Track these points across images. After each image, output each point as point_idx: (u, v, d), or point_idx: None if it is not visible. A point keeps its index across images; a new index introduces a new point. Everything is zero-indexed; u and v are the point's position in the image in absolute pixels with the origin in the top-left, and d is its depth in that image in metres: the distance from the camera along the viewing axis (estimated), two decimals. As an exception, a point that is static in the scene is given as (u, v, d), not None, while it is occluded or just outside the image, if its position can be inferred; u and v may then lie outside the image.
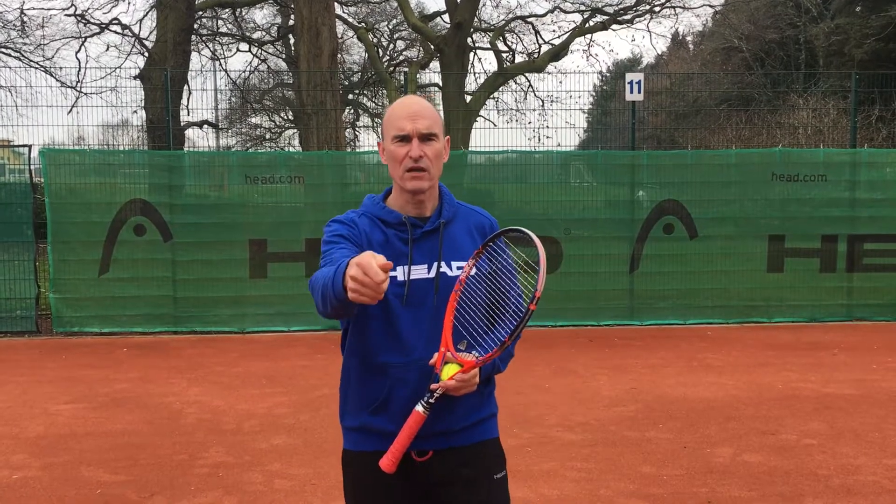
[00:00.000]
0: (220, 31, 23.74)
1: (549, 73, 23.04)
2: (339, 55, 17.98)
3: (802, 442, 5.67)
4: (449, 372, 2.18)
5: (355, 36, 24.93)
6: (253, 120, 27.94)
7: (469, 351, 2.24)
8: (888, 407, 6.57)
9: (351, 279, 1.85)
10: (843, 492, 4.76)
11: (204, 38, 22.71)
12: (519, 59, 24.57)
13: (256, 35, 25.25)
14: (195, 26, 19.81)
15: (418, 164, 2.27)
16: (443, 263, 2.32)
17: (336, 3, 18.05)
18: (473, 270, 2.30)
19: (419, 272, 2.31)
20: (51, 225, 9.96)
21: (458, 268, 2.32)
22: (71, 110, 13.67)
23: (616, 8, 22.78)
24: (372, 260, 1.83)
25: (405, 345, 2.28)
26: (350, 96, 27.70)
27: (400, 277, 2.29)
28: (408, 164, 2.27)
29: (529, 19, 24.54)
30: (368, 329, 2.32)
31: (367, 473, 2.34)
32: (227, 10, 22.31)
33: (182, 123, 17.32)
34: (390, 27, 27.99)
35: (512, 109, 20.19)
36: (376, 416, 2.31)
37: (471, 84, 22.33)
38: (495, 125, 25.82)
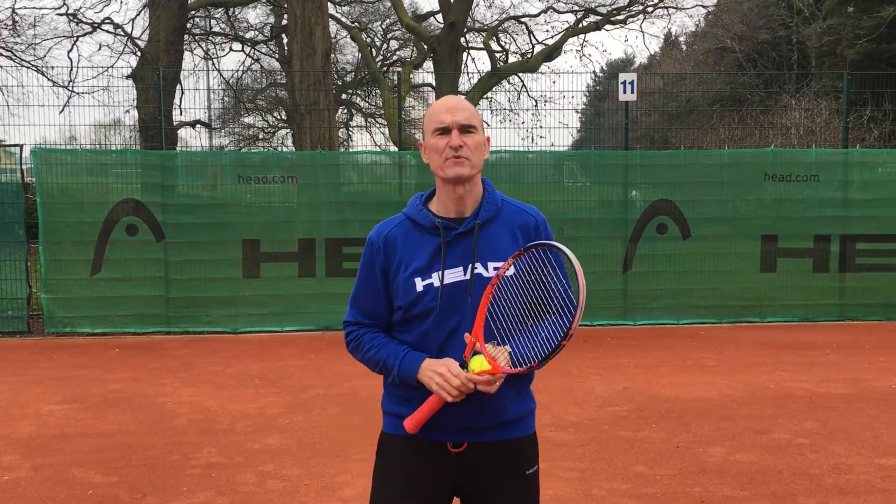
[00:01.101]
0: (212, 30, 23.66)
1: (542, 74, 23.07)
2: (332, 55, 17.98)
3: (795, 441, 5.68)
4: (477, 362, 2.20)
5: (349, 36, 24.89)
6: (246, 120, 27.89)
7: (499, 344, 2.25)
8: (880, 406, 6.60)
9: (435, 384, 2.22)
10: (835, 491, 4.78)
11: (197, 37, 22.64)
12: (512, 59, 24.57)
13: (249, 34, 25.17)
14: (188, 26, 19.74)
15: (458, 153, 2.31)
16: (478, 265, 2.32)
17: (329, 3, 18.04)
18: (511, 271, 2.28)
19: (454, 275, 2.33)
20: (42, 225, 9.91)
21: (496, 268, 2.32)
22: (63, 110, 13.61)
23: (609, 8, 22.80)
24: (449, 377, 2.19)
25: (442, 346, 2.32)
26: (343, 96, 27.68)
27: (436, 283, 2.32)
28: (448, 153, 2.31)
29: (523, 19, 24.54)
30: (407, 332, 2.38)
31: (402, 457, 2.40)
32: (219, 9, 22.23)
33: (175, 123, 17.26)
34: (384, 27, 27.96)
35: (505, 109, 20.18)
36: (415, 405, 2.33)
37: (464, 84, 22.34)
38: (489, 125, 25.78)
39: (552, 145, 14.96)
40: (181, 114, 18.33)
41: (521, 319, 2.27)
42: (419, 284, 2.33)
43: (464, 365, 2.22)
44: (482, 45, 24.32)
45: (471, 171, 2.33)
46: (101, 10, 31.01)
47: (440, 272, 2.32)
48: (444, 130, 2.33)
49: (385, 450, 2.46)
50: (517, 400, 2.38)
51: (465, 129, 2.33)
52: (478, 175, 2.39)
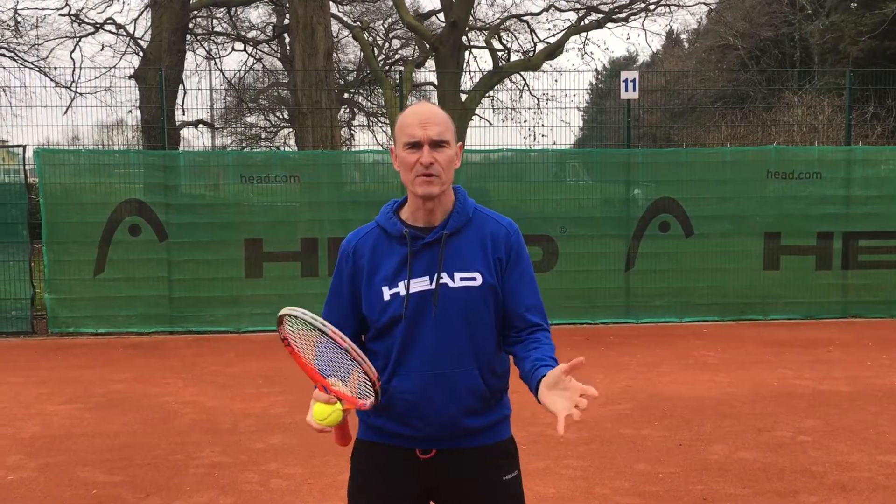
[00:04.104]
0: (214, 30, 23.68)
1: (544, 72, 23.05)
2: (334, 54, 17.97)
3: (797, 439, 5.68)
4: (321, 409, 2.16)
5: (350, 35, 24.90)
6: (248, 119, 27.89)
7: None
8: (882, 404, 6.59)
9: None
10: (837, 488, 4.78)
11: (199, 37, 22.65)
12: (514, 57, 24.56)
13: (251, 34, 25.18)
14: (190, 25, 19.75)
15: (429, 171, 2.27)
16: (444, 275, 2.31)
17: (331, 2, 18.05)
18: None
19: (420, 284, 2.31)
20: (46, 225, 9.93)
21: (462, 279, 2.31)
22: (66, 110, 13.64)
23: (611, 6, 22.79)
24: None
25: (404, 356, 2.31)
26: (346, 95, 27.66)
27: (402, 292, 2.31)
28: (419, 170, 2.28)
29: (525, 17, 24.53)
30: (378, 343, 2.37)
31: (375, 463, 2.40)
32: (221, 9, 22.25)
33: (177, 123, 17.29)
34: (385, 26, 27.95)
35: (507, 108, 20.21)
36: (380, 417, 2.35)
37: (466, 83, 22.34)
38: (491, 124, 25.83)
39: (554, 144, 14.94)
40: (184, 114, 18.38)
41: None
42: (386, 293, 2.32)
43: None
44: (484, 44, 24.31)
45: (441, 188, 2.30)
46: (103, 11, 30.82)
47: (406, 281, 2.31)
48: (415, 145, 2.28)
49: (359, 455, 2.45)
50: (488, 408, 2.35)
51: (437, 144, 2.28)
52: (449, 188, 2.37)
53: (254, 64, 25.36)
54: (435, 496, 2.40)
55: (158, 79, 11.46)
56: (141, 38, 19.76)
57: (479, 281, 2.32)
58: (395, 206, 2.44)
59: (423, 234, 2.34)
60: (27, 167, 10.36)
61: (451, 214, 2.36)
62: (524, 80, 22.69)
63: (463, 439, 2.34)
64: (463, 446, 2.34)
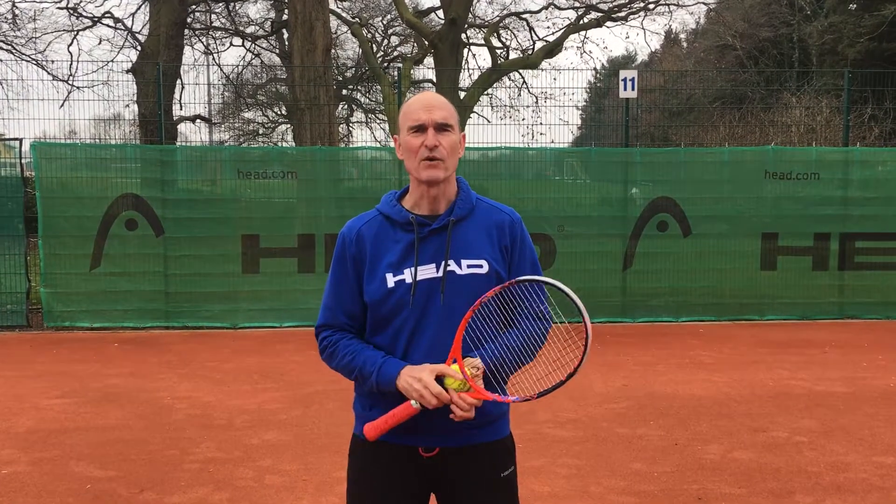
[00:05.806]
0: (213, 25, 23.62)
1: (543, 70, 23.08)
2: (332, 50, 17.94)
3: (793, 439, 5.69)
4: (453, 381, 2.19)
5: (349, 31, 24.87)
6: (246, 115, 27.85)
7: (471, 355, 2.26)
8: (878, 405, 6.60)
9: (415, 391, 2.19)
10: (832, 489, 4.78)
11: (197, 32, 22.60)
12: (513, 55, 24.55)
13: (250, 29, 25.12)
14: (188, 20, 19.70)
15: (433, 154, 2.28)
16: (451, 262, 2.30)
17: (330, -2, 17.98)
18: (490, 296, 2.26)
19: (427, 272, 2.30)
20: (42, 219, 9.91)
21: (469, 266, 2.30)
22: (63, 104, 13.56)
23: (610, 5, 22.79)
24: (430, 384, 2.17)
25: (412, 344, 2.29)
26: (344, 92, 27.64)
27: (408, 279, 2.29)
28: (423, 153, 2.28)
29: (524, 15, 24.53)
30: (379, 335, 2.35)
31: (375, 461, 2.38)
32: (220, 4, 22.21)
33: (175, 118, 17.25)
34: (384, 22, 27.94)
35: (506, 106, 20.22)
36: (384, 410, 2.32)
37: (465, 80, 22.37)
38: (489, 121, 25.86)
39: (552, 142, 14.94)
40: (181, 108, 18.33)
41: (492, 330, 2.29)
42: (390, 280, 2.30)
43: (440, 381, 2.21)
44: (483, 42, 24.29)
45: (445, 173, 2.31)
46: (101, 4, 30.94)
47: (412, 269, 2.29)
48: (420, 128, 2.29)
49: (357, 453, 2.43)
50: (489, 405, 2.34)
51: (442, 127, 2.30)
52: (452, 175, 2.37)
53: (252, 59, 25.33)
54: (435, 492, 2.40)
55: (156, 73, 11.42)
56: (139, 33, 19.71)
57: (486, 268, 2.31)
58: (397, 195, 2.43)
59: (429, 221, 2.33)
60: (24, 160, 10.32)
61: (456, 202, 2.37)
62: (523, 78, 22.72)
63: (465, 436, 2.33)
64: (465, 444, 2.33)
